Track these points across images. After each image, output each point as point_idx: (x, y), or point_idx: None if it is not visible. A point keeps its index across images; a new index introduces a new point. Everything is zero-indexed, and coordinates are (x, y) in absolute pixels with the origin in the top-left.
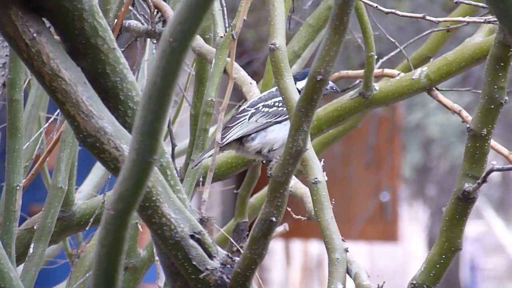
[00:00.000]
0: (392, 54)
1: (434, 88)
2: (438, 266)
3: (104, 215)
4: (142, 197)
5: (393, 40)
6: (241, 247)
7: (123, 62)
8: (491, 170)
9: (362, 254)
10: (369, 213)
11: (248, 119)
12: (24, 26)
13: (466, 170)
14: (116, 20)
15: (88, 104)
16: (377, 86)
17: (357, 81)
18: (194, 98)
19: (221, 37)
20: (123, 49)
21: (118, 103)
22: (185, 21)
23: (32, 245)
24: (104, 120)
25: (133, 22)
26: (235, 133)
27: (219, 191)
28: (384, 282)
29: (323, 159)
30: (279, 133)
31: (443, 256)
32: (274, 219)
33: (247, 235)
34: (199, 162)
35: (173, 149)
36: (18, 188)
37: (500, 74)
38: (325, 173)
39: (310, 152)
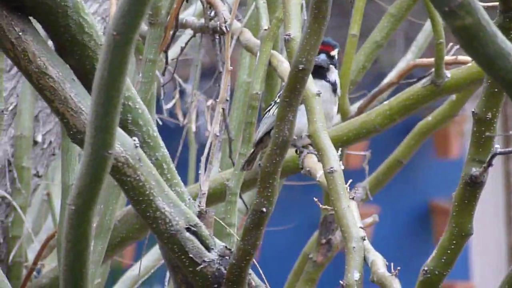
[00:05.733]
0: None
1: None
2: (449, 252)
3: (66, 210)
4: (100, 191)
5: None
6: (330, 239)
7: None
8: (495, 154)
9: None
10: None
11: (270, 113)
12: (9, 25)
13: (473, 154)
14: (168, 17)
15: (76, 100)
16: (449, 73)
17: (432, 70)
18: (265, 92)
19: (265, 30)
20: (183, 46)
21: None
22: (127, 14)
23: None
24: None
25: (190, 19)
26: (259, 130)
27: None
28: (398, 269)
29: (340, 148)
30: (300, 120)
31: (454, 242)
32: (264, 209)
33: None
34: (245, 166)
35: (230, 143)
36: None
37: None
38: (341, 162)
39: (326, 141)
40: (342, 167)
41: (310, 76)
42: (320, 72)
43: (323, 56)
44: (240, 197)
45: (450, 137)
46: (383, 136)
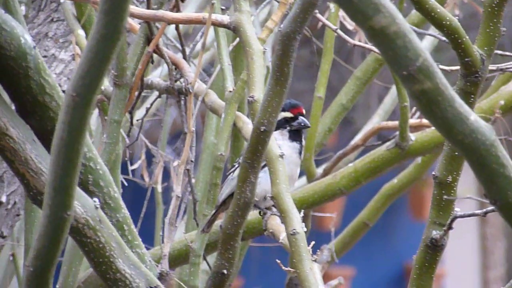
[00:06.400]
0: None
1: None
2: None
3: (24, 272)
4: (59, 253)
5: None
6: None
7: None
8: (455, 217)
9: None
10: None
11: (234, 175)
12: None
13: (434, 217)
14: (133, 78)
15: (37, 161)
16: (413, 136)
17: (396, 132)
18: (230, 153)
19: (230, 91)
20: (148, 106)
21: None
22: (87, 75)
23: None
24: None
25: (155, 79)
26: (223, 192)
27: (503, 249)
28: None
29: (302, 210)
30: (265, 182)
31: None
32: (225, 271)
33: None
34: (204, 228)
35: (194, 204)
36: None
37: None
38: (303, 224)
39: (289, 203)
40: (305, 229)
41: (272, 137)
42: (299, 134)
43: (304, 119)
44: (204, 258)
45: (425, 200)
46: (361, 196)
